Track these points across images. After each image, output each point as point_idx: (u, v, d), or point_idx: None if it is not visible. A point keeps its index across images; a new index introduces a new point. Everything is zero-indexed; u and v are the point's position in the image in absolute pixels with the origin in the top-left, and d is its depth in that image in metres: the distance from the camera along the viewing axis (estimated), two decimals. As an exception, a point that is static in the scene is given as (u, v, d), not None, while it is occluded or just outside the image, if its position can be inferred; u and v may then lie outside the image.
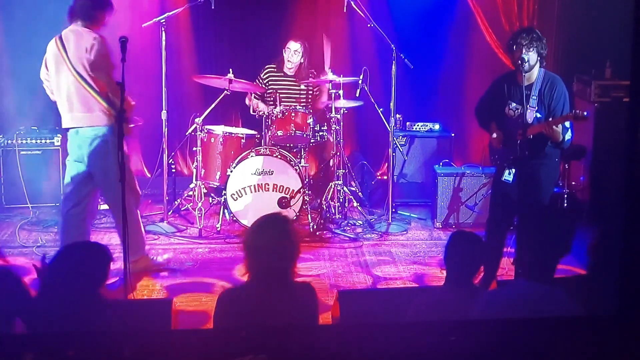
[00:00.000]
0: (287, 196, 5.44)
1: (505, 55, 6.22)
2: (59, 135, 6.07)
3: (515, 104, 4.33)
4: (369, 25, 5.75)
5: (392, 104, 5.77)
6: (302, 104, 6.05)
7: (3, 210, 5.86)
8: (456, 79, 6.80)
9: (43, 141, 6.02)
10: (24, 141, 5.96)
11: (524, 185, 4.31)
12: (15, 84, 6.04)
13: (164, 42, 5.60)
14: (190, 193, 5.74)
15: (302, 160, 5.71)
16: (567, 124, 4.23)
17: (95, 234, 5.51)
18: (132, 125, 4.79)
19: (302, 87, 6.08)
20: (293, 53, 5.99)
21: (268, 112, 5.74)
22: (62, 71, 4.44)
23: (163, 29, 5.56)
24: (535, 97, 4.27)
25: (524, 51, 4.20)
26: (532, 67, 4.25)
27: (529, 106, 4.27)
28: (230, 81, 5.56)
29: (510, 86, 4.37)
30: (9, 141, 5.92)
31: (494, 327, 2.55)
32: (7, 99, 6.07)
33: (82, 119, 4.45)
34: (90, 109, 4.44)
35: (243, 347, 2.41)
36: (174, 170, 6.07)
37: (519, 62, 4.21)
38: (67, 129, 4.55)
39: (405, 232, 5.75)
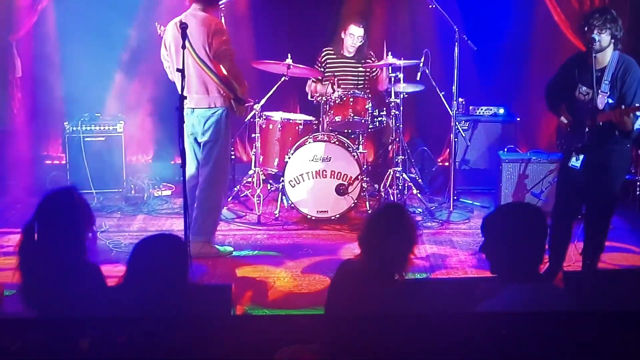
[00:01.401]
0: (345, 183, 5.36)
1: (574, 35, 5.92)
2: (121, 122, 6.18)
3: (585, 88, 4.11)
4: (430, 6, 5.58)
5: (454, 88, 5.61)
6: (360, 87, 5.94)
7: (69, 196, 6.02)
8: (522, 61, 6.53)
9: (106, 128, 6.14)
10: (88, 128, 6.09)
11: (592, 172, 4.10)
12: (80, 71, 6.19)
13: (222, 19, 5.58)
14: (249, 179, 5.75)
15: (360, 146, 5.62)
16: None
17: (156, 219, 5.62)
18: (247, 104, 5.04)
19: (361, 68, 5.97)
20: (356, 38, 5.89)
21: (327, 95, 5.64)
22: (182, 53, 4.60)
23: (222, 15, 5.55)
24: (607, 82, 4.03)
25: (595, 32, 3.97)
26: (603, 48, 4.02)
27: (600, 91, 4.04)
28: (289, 66, 5.52)
29: (580, 69, 4.14)
30: (74, 128, 6.07)
31: (556, 318, 2.43)
32: (72, 86, 6.23)
33: (199, 100, 4.67)
34: (207, 91, 4.65)
35: (301, 333, 2.38)
36: (233, 157, 6.09)
37: (590, 43, 3.98)
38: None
39: (467, 221, 5.59)
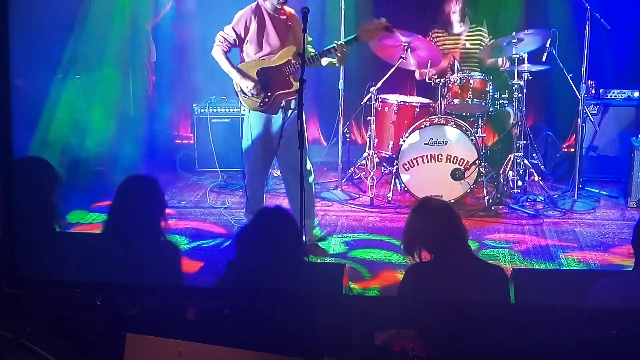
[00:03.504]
0: (462, 168, 5.25)
1: None
2: (245, 104, 6.43)
3: None
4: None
5: (583, 69, 5.29)
6: (474, 65, 5.75)
7: (196, 174, 6.40)
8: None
9: (231, 110, 6.41)
10: (215, 110, 6.40)
11: None
12: (207, 55, 6.50)
13: (342, 11, 5.64)
14: (363, 162, 5.78)
15: (479, 130, 5.46)
16: None
17: (274, 198, 5.81)
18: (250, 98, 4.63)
19: (468, 45, 5.78)
20: (455, 15, 5.73)
21: (445, 77, 5.51)
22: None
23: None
24: None
25: None
26: None
27: None
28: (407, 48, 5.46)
29: None
30: (202, 109, 6.41)
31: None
32: (201, 70, 6.57)
33: None
34: None
35: (405, 318, 2.39)
36: (348, 139, 6.15)
37: None
38: None
39: (592, 211, 5.29)
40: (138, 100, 6.41)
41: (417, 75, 5.85)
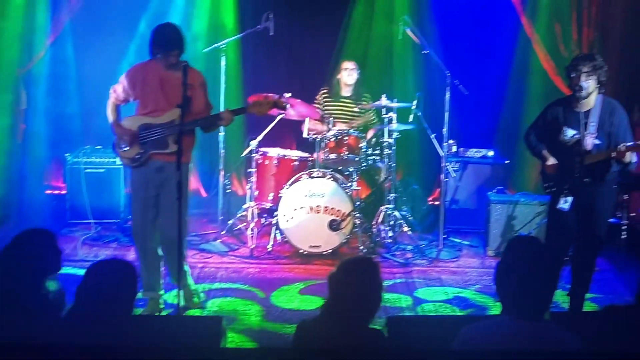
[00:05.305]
0: (338, 219, 5.48)
1: (562, 80, 6.13)
2: (121, 154, 6.30)
3: (571, 130, 4.24)
4: (424, 52, 5.79)
5: (445, 130, 5.76)
6: (355, 128, 6.10)
7: (67, 225, 6.11)
8: (512, 105, 6.72)
9: (106, 160, 6.25)
10: (89, 159, 6.21)
11: (581, 213, 4.24)
12: (83, 104, 6.36)
13: (223, 67, 5.78)
14: (244, 213, 5.86)
15: (354, 183, 5.74)
16: None
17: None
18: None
19: (356, 109, 6.14)
20: (350, 72, 6.08)
21: (322, 133, 5.78)
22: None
23: (223, 54, 5.77)
24: (594, 124, 4.17)
25: (582, 79, 4.12)
26: (589, 94, 4.18)
27: (588, 133, 4.18)
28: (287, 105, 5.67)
29: (565, 112, 4.28)
30: (75, 159, 6.19)
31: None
32: (74, 118, 6.39)
33: None
34: None
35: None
36: (228, 191, 6.21)
37: (576, 88, 4.15)
38: None
39: (456, 259, 5.69)
40: (5, 148, 6.07)
41: (304, 134, 6.03)
